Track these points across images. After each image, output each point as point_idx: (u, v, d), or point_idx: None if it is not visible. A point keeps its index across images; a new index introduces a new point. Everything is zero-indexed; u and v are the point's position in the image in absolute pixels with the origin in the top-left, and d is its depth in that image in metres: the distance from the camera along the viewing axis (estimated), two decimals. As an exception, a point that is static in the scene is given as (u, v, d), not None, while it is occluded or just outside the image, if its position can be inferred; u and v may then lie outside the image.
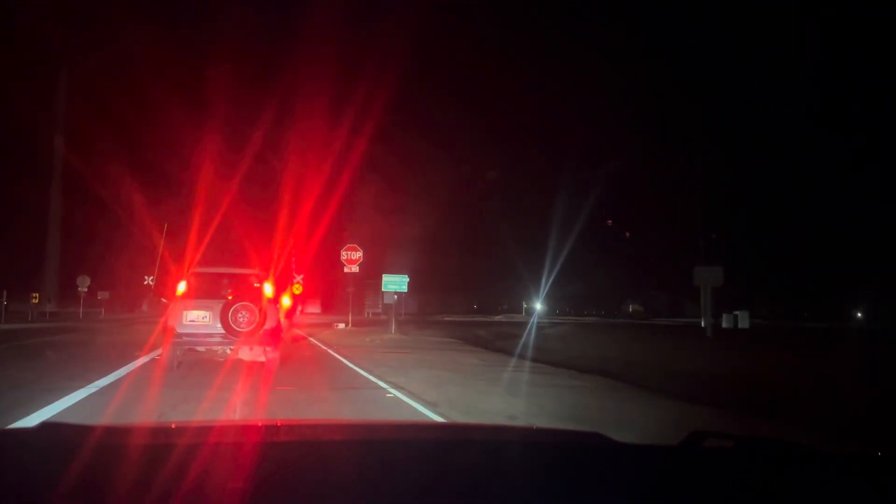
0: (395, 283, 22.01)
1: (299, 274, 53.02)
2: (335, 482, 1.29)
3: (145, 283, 55.22)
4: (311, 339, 20.16)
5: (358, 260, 25.42)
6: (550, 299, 72.75)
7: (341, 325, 26.69)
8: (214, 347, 9.84)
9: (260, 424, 1.93)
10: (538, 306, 57.17)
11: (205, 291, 10.12)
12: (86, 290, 40.51)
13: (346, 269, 25.51)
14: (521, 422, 6.57)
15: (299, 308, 52.09)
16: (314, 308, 55.58)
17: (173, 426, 2.01)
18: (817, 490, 1.38)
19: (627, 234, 58.37)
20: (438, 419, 6.75)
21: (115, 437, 1.51)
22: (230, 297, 9.74)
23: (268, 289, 10.29)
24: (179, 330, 9.54)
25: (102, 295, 47.67)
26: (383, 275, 22.12)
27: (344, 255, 25.38)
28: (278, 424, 1.94)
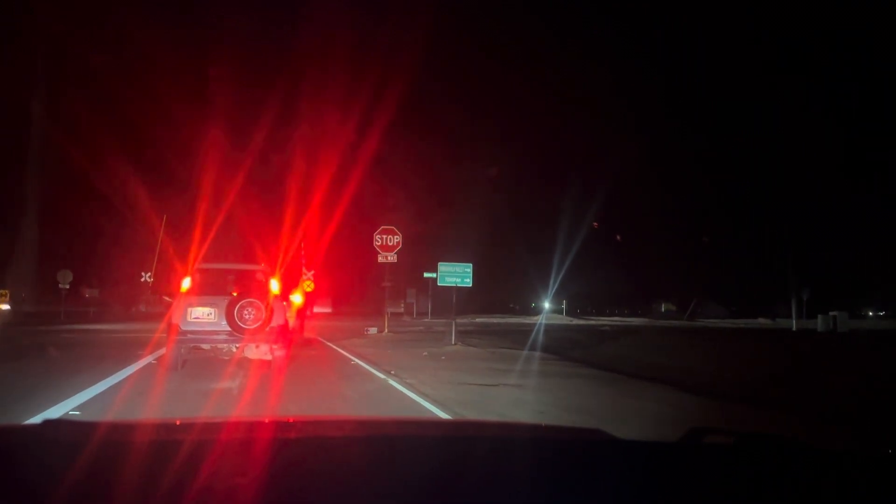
0: (455, 275, 15.87)
1: (310, 270, 47.30)
2: (342, 478, 1.24)
3: (142, 280, 49.52)
4: (339, 349, 14.09)
5: (396, 246, 19.29)
6: (564, 298, 67.01)
7: (372, 330, 20.57)
8: (220, 345, 9.39)
9: (266, 421, 1.89)
10: (547, 305, 51.51)
11: (210, 288, 9.66)
12: (67, 286, 34.31)
13: (380, 258, 19.41)
14: None
15: (310, 308, 46.45)
16: (324, 307, 49.75)
17: (178, 423, 1.88)
18: (818, 487, 1.31)
19: (619, 237, 53.02)
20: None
21: (118, 433, 1.44)
22: (235, 294, 9.33)
23: (274, 285, 9.76)
24: (184, 327, 9.09)
25: (91, 293, 41.62)
26: (439, 263, 15.93)
27: (378, 239, 19.25)
28: (286, 421, 1.93)
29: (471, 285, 16.20)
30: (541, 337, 22.32)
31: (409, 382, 8.97)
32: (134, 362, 10.42)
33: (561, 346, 18.45)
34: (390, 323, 21.27)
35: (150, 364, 10.43)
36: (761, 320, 43.79)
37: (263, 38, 50.03)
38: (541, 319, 40.17)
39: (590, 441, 1.64)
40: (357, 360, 11.89)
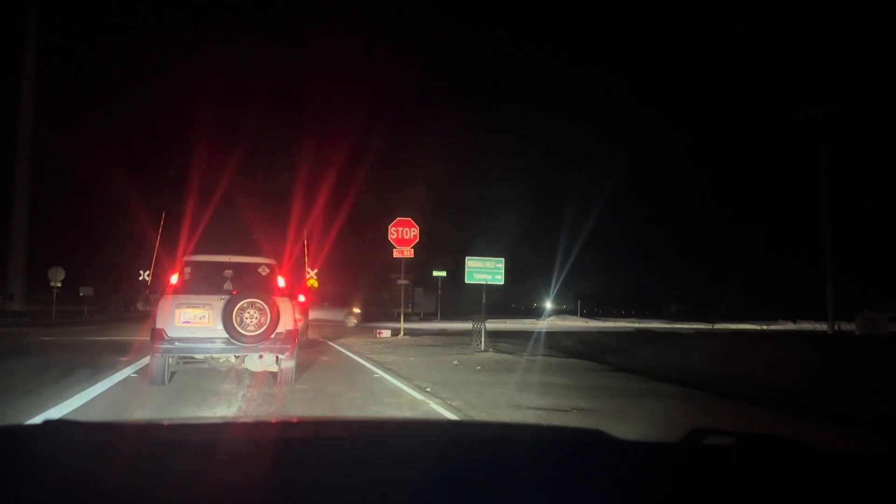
0: (485, 272, 13.73)
1: (313, 268, 45.32)
2: (344, 479, 1.17)
3: (140, 278, 47.52)
4: (353, 356, 12.00)
5: (413, 239, 17.22)
6: (572, 300, 64.72)
7: (385, 333, 18.46)
8: (215, 355, 7.63)
9: (270, 421, 1.91)
10: (549, 305, 49.32)
11: (203, 285, 7.94)
12: (59, 285, 32.03)
13: (395, 253, 17.34)
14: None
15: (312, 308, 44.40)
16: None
17: (179, 423, 1.84)
18: (820, 489, 1.25)
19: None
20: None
21: (121, 433, 1.41)
22: (234, 292, 7.68)
23: (281, 282, 8.27)
24: (171, 333, 7.41)
25: (85, 291, 39.32)
26: (467, 258, 13.77)
27: (393, 232, 17.16)
28: (289, 422, 1.94)
29: (502, 283, 14.08)
30: (568, 341, 20.27)
31: (455, 405, 6.89)
32: (108, 376, 8.38)
33: (595, 352, 16.40)
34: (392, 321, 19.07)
35: (128, 379, 8.37)
36: (781, 322, 41.62)
37: (268, 32, 48.10)
38: (544, 321, 38.14)
39: (590, 442, 1.59)
40: (380, 372, 9.77)
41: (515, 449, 1.43)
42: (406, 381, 8.67)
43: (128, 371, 8.88)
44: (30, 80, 33.32)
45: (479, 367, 10.70)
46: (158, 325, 7.45)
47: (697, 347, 17.37)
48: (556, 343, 19.04)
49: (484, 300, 14.18)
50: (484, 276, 13.78)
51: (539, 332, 26.69)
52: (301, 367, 9.74)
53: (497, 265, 13.86)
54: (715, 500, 1.22)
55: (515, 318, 48.05)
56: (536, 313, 52.29)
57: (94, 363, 9.66)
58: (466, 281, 13.83)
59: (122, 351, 11.72)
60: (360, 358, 11.99)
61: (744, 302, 54.27)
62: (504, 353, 13.08)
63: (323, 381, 8.71)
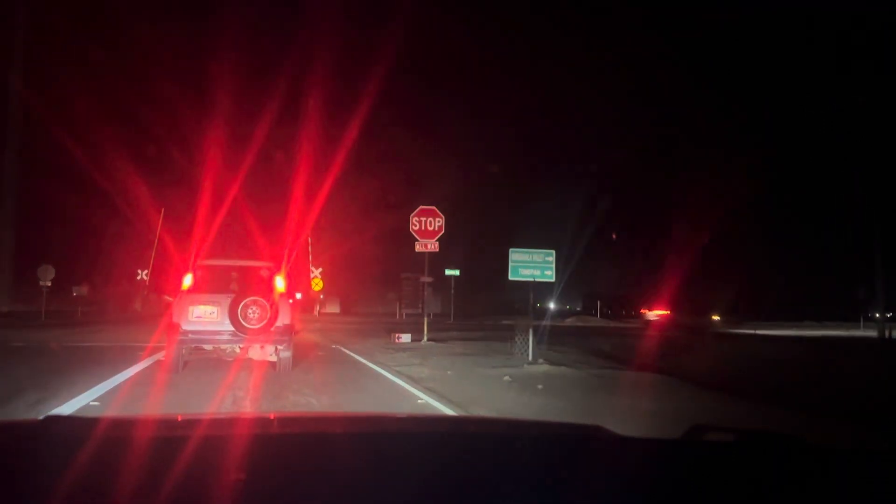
0: (532, 266, 11.30)
1: (318, 267, 42.72)
2: (345, 475, 1.18)
3: (138, 278, 45.19)
4: (375, 367, 9.71)
5: (438, 231, 14.91)
6: (571, 299, 62.60)
7: (405, 337, 16.06)
8: (222, 346, 8.77)
9: (269, 417, 1.85)
10: (551, 305, 47.11)
11: (212, 285, 9.02)
12: (49, 284, 29.65)
13: (418, 247, 15.04)
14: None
15: (317, 308, 42.07)
16: (333, 307, 45.46)
17: (179, 419, 1.84)
18: (819, 485, 1.25)
19: (614, 236, 48.59)
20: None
21: (120, 429, 1.38)
22: (239, 292, 8.57)
23: (280, 282, 9.11)
24: (185, 327, 8.38)
25: (78, 291, 37.06)
26: (510, 250, 11.33)
27: (415, 223, 14.85)
28: (285, 417, 1.92)
29: (553, 279, 11.75)
30: (604, 346, 17.95)
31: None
32: (61, 404, 6.08)
33: (647, 361, 14.12)
34: (420, 327, 16.60)
35: (86, 409, 6.06)
36: (808, 324, 39.32)
37: (266, 25, 45.81)
38: (565, 321, 36.03)
39: (592, 437, 1.57)
40: (424, 396, 7.35)
41: (521, 446, 1.39)
42: (462, 411, 6.34)
43: (87, 398, 6.54)
44: (19, 67, 31.03)
45: (540, 387, 8.36)
46: (175, 320, 8.40)
47: (760, 354, 15.05)
48: (594, 348, 16.74)
49: (531, 300, 11.93)
50: (532, 271, 11.42)
51: (568, 333, 24.35)
52: (319, 386, 7.52)
53: (547, 258, 11.46)
54: (715, 495, 1.19)
55: (524, 318, 45.60)
56: (540, 313, 50.07)
57: (50, 382, 7.34)
58: (510, 277, 11.47)
59: (99, 363, 9.40)
60: (387, 371, 9.67)
61: (761, 302, 52.00)
62: (559, 364, 10.71)
63: (347, 404, 6.42)
